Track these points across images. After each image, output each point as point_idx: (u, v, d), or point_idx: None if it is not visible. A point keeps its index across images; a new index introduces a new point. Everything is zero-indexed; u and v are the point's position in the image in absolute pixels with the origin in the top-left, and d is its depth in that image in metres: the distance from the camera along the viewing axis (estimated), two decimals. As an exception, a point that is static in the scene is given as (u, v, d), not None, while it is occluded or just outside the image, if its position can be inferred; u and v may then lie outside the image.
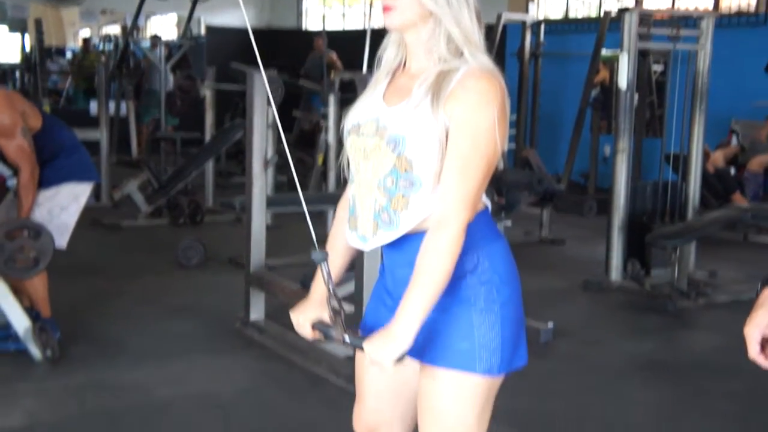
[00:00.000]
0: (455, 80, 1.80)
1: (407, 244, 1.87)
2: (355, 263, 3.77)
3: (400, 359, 1.78)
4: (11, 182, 4.24)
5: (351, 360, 3.27)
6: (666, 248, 5.47)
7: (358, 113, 1.95)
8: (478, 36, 1.85)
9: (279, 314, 4.77)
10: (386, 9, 1.85)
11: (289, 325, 4.53)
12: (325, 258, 1.89)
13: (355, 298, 3.87)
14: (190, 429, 3.40)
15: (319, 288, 2.01)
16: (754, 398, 3.98)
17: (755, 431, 3.57)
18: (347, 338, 1.85)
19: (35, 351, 4.05)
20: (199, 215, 7.73)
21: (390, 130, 1.84)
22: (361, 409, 2.11)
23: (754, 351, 1.68)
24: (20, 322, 4.05)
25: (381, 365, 1.78)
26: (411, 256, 1.84)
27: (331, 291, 1.89)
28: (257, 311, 4.77)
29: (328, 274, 1.89)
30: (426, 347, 1.90)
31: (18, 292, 4.26)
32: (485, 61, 1.84)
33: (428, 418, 1.93)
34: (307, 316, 1.99)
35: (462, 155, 1.79)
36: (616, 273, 5.90)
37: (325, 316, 1.94)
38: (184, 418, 3.53)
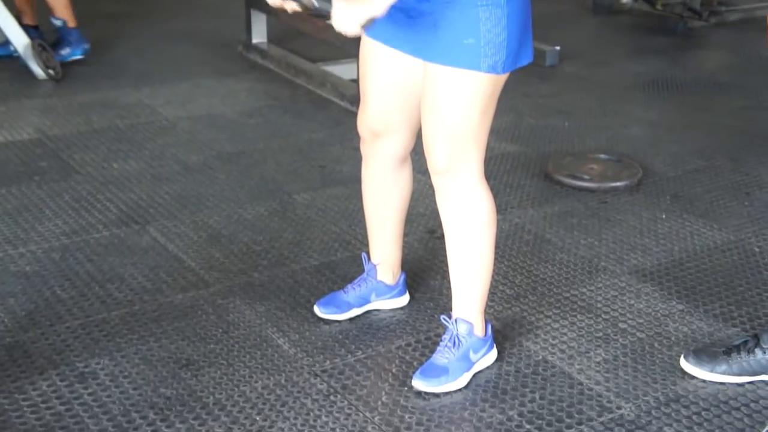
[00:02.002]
0: None
1: None
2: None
3: (368, 25, 1.72)
4: None
5: (356, 82, 3.23)
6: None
7: None
8: None
9: (282, 37, 4.70)
10: None
11: (293, 48, 4.55)
12: None
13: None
14: (196, 146, 3.45)
15: None
16: (756, 112, 4.00)
17: (754, 143, 3.62)
18: (315, 2, 1.75)
19: (37, 69, 4.04)
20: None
21: None
22: (364, 112, 2.10)
23: None
24: (19, 39, 4.00)
25: (346, 28, 1.72)
26: None
27: None
28: (259, 34, 4.68)
29: None
30: (430, 45, 1.86)
31: (23, 7, 4.22)
32: None
33: (432, 119, 1.93)
34: None
35: None
36: (628, -7, 5.72)
37: None
38: (189, 135, 3.57)
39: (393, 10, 1.89)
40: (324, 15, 1.75)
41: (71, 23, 4.25)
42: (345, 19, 1.70)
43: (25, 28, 4.16)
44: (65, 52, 4.28)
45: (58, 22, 4.24)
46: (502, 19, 1.81)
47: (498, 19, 1.81)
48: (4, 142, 3.41)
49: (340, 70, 4.20)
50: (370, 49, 2.02)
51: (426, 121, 1.95)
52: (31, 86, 4.03)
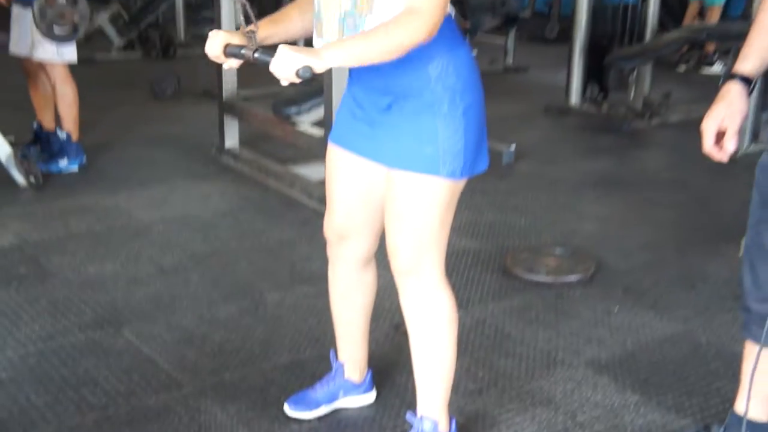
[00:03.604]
0: None
1: None
2: (323, 89, 3.72)
3: (305, 76, 1.66)
4: None
5: (323, 182, 3.30)
6: (623, 69, 5.46)
7: None
8: None
9: (253, 141, 4.76)
10: None
11: (264, 151, 4.59)
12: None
13: (325, 123, 3.84)
14: (171, 247, 3.44)
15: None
16: (698, 208, 4.09)
17: (697, 237, 3.69)
18: (257, 54, 1.74)
19: (19, 177, 4.04)
20: (171, 49, 7.53)
21: None
22: (331, 216, 2.12)
23: (708, 144, 1.68)
24: (1, 149, 4.01)
25: (282, 74, 1.68)
26: (377, 64, 1.81)
27: (248, 12, 1.79)
28: (232, 138, 4.74)
29: (249, 12, 1.79)
30: (392, 152, 1.89)
31: (42, 110, 4.31)
32: None
33: (395, 221, 1.95)
34: (220, 39, 1.84)
35: None
36: (575, 97, 5.91)
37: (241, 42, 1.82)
38: (164, 237, 3.57)
39: (356, 120, 1.95)
40: (266, 64, 1.71)
41: (74, 137, 4.31)
42: (284, 64, 1.66)
43: (40, 129, 4.32)
44: (63, 163, 4.32)
45: (62, 135, 4.30)
46: (459, 129, 1.86)
47: (456, 129, 1.86)
48: (-17, 248, 3.38)
49: (308, 172, 4.25)
50: (336, 156, 2.05)
51: (389, 224, 1.97)
52: (13, 193, 4.02)
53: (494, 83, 6.56)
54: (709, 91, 6.17)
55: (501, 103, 5.73)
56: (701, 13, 7.47)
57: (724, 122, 1.66)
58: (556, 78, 6.55)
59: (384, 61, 1.74)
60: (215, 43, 1.83)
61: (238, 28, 1.87)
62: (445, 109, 1.84)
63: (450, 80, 1.84)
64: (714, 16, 7.17)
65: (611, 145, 5.23)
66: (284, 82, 1.70)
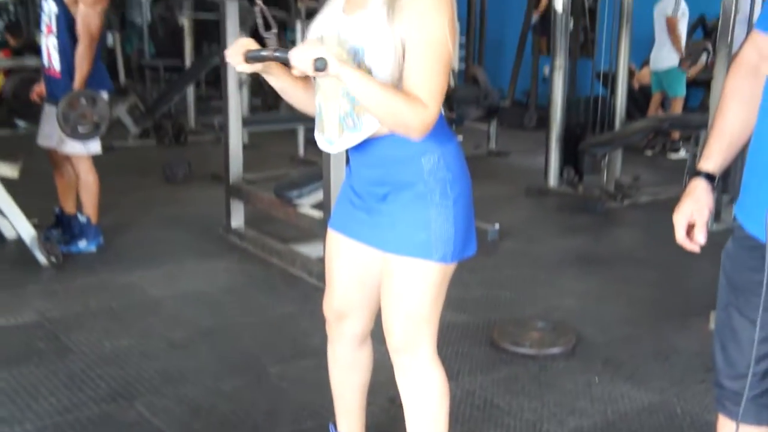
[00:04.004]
0: None
1: (371, 146, 1.86)
2: (323, 172, 3.77)
3: (320, 68, 1.65)
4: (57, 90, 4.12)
5: (322, 260, 3.32)
6: (596, 155, 5.55)
7: (321, 25, 1.89)
8: None
9: (257, 221, 4.79)
10: None
11: (267, 231, 4.62)
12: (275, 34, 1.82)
13: (324, 205, 3.88)
14: (180, 323, 3.43)
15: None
16: (668, 284, 4.11)
17: (669, 312, 3.69)
18: (277, 53, 1.73)
19: (41, 257, 4.04)
20: (182, 136, 7.62)
21: (350, 40, 1.79)
22: (330, 297, 2.13)
23: (680, 236, 1.72)
24: (26, 231, 4.02)
25: (301, 67, 1.68)
26: (374, 158, 1.85)
27: (266, 15, 1.81)
28: (237, 219, 4.77)
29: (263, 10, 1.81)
30: (388, 238, 1.91)
31: (65, 196, 4.35)
32: None
33: (390, 302, 1.96)
34: (241, 45, 1.82)
35: (421, 57, 1.73)
36: (553, 179, 5.99)
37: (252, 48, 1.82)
38: (175, 313, 3.55)
39: (355, 209, 1.97)
40: (286, 60, 1.71)
41: (94, 220, 4.33)
42: (303, 53, 1.67)
43: (61, 213, 4.35)
44: (83, 244, 4.33)
45: (83, 218, 4.32)
46: (450, 217, 1.89)
47: (447, 217, 1.88)
48: (7, 326, 3.36)
49: (308, 250, 4.26)
50: (336, 241, 2.07)
51: (385, 304, 1.98)
52: (36, 272, 4.02)
53: (479, 166, 6.65)
54: (675, 174, 6.27)
55: (486, 185, 5.79)
56: (663, 104, 7.63)
57: (692, 216, 1.70)
58: (536, 162, 6.64)
59: (373, 114, 1.75)
60: (236, 50, 1.82)
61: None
62: (437, 199, 1.87)
63: (441, 172, 1.87)
64: (677, 107, 7.33)
65: (588, 224, 5.28)
66: (298, 72, 1.68)
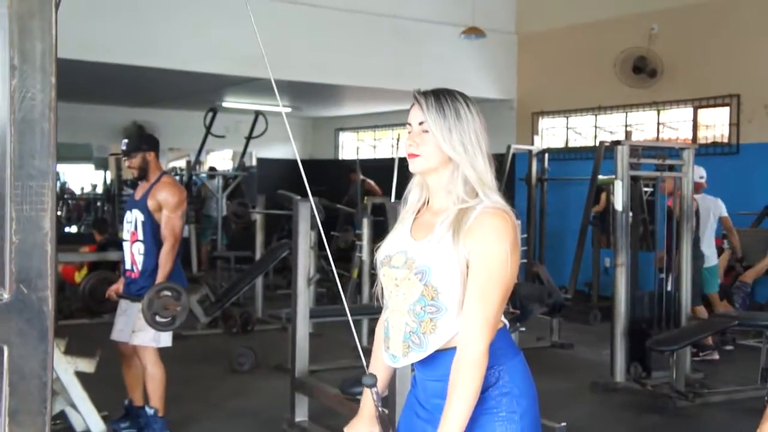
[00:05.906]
0: (472, 218, 1.85)
1: (437, 361, 1.90)
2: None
3: None
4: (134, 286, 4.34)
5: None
6: (664, 353, 5.40)
7: (389, 246, 2.00)
8: (490, 177, 1.90)
9: (321, 416, 4.74)
10: (411, 156, 1.92)
11: (331, 427, 4.56)
12: (374, 383, 1.92)
13: (388, 404, 3.84)
14: None
15: (368, 404, 2.03)
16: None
17: None
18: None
19: (111, 452, 4.07)
20: (250, 325, 7.77)
21: (417, 262, 1.89)
22: None
23: None
24: (96, 425, 4.07)
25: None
26: (440, 371, 1.88)
27: (380, 411, 1.91)
28: (302, 413, 4.73)
29: (377, 395, 1.91)
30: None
31: (133, 388, 4.44)
32: (498, 200, 1.89)
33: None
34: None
35: (480, 285, 1.82)
36: (620, 375, 5.81)
37: (375, 431, 1.97)
38: None
39: (419, 419, 1.97)
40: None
41: (161, 413, 4.37)
42: None
43: (130, 405, 4.40)
44: None
45: (150, 411, 4.36)
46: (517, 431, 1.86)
47: (513, 432, 1.86)
48: None
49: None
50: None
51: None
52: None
53: (541, 359, 6.53)
54: (747, 369, 5.96)
55: (550, 378, 5.66)
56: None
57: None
58: (601, 355, 6.49)
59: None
60: None
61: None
62: (503, 414, 1.87)
63: (507, 387, 1.88)
64: (716, 304, 7.18)
65: (658, 425, 5.05)
66: None
